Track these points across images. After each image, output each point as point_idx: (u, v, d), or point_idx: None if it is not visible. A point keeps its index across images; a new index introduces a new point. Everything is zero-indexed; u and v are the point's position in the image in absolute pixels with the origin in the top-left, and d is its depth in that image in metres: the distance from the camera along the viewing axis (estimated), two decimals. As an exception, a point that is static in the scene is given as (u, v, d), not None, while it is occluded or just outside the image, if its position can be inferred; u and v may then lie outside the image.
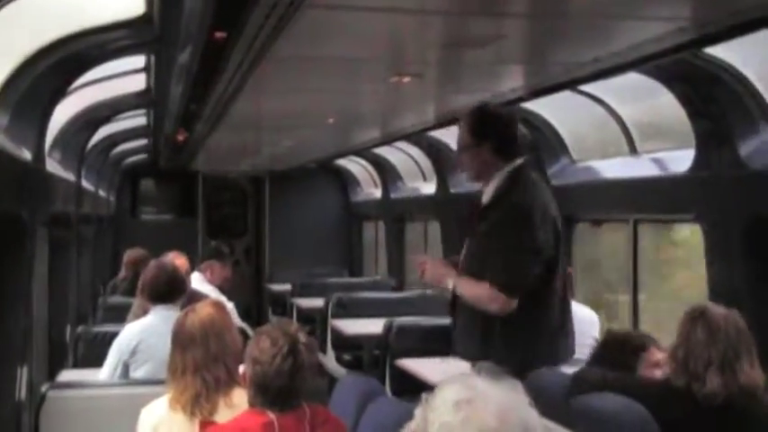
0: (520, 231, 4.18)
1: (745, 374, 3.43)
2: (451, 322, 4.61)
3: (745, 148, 5.15)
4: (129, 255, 8.82)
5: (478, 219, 4.39)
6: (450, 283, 4.37)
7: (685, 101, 5.51)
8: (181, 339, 3.74)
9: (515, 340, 4.25)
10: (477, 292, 4.26)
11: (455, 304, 4.49)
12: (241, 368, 3.43)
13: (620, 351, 4.00)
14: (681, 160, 5.73)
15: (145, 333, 4.98)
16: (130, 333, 5.01)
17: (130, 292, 7.47)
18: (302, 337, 3.18)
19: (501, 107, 4.78)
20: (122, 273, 8.91)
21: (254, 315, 15.08)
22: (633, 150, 6.64)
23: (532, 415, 1.98)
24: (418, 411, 2.01)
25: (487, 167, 4.39)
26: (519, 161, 4.37)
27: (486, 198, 4.40)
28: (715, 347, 3.45)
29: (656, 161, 6.32)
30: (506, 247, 4.19)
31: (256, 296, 16.05)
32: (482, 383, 2.01)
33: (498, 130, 4.39)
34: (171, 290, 5.20)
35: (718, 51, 4.92)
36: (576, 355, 5.17)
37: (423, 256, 4.73)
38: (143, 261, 7.90)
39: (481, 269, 4.26)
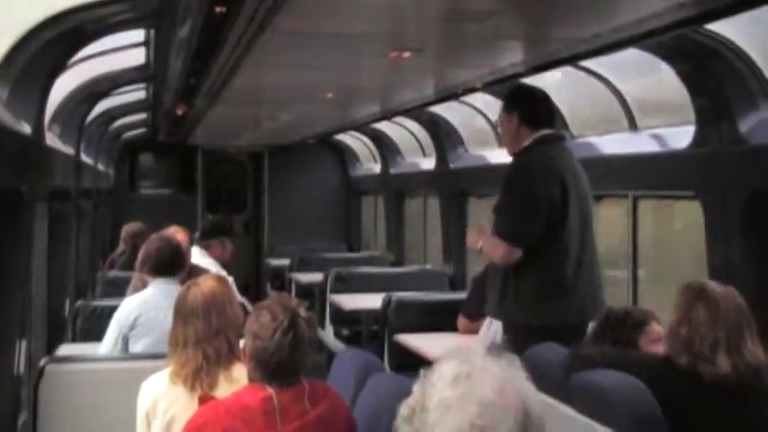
0: (515, 185, 4.73)
1: (751, 353, 3.43)
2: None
3: (745, 125, 5.14)
4: (128, 229, 8.82)
5: None
6: (477, 242, 4.85)
7: (685, 77, 5.50)
8: (183, 312, 3.75)
9: (524, 299, 4.64)
10: (487, 244, 4.74)
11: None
12: (241, 343, 3.44)
13: (621, 327, 4.01)
14: (681, 136, 5.73)
15: (144, 306, 4.98)
16: (130, 306, 5.00)
17: (129, 265, 7.48)
18: (302, 312, 3.19)
19: (537, 87, 5.12)
20: (120, 247, 8.92)
21: (252, 290, 15.11)
22: (633, 126, 6.63)
23: (530, 389, 2.00)
24: (416, 387, 2.02)
25: (517, 137, 4.86)
26: (544, 131, 4.81)
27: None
28: (720, 328, 3.44)
29: (656, 137, 6.31)
30: (505, 201, 4.76)
31: (255, 271, 16.07)
32: (480, 358, 2.02)
33: (526, 103, 4.90)
34: (173, 264, 5.19)
35: (719, 27, 4.91)
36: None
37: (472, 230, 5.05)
38: (141, 235, 7.91)
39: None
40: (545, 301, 4.61)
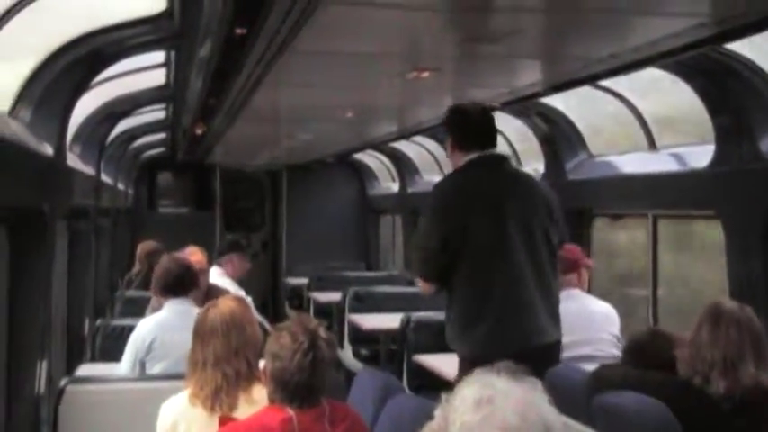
0: (424, 218, 4.65)
1: (750, 376, 3.41)
2: None
3: (766, 143, 5.13)
4: (142, 248, 8.81)
5: None
6: None
7: (705, 96, 5.49)
8: (202, 333, 3.75)
9: (451, 328, 4.49)
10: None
11: None
12: (261, 363, 3.44)
13: (660, 349, 3.95)
14: (700, 155, 5.72)
15: (159, 330, 4.97)
16: (145, 330, 5.00)
17: (145, 285, 7.49)
18: (323, 333, 3.19)
19: (477, 104, 4.84)
20: (137, 266, 8.94)
21: (270, 309, 15.12)
22: (652, 145, 6.63)
23: (552, 412, 1.99)
24: (438, 411, 2.01)
25: (454, 161, 4.66)
26: (475, 154, 4.55)
27: None
28: (717, 347, 3.45)
29: (676, 156, 6.30)
30: (417, 233, 4.66)
31: (273, 290, 16.08)
32: (502, 382, 2.01)
33: (455, 125, 4.65)
34: (184, 283, 5.19)
35: (737, 46, 4.90)
36: (592, 351, 5.18)
37: None
38: (156, 254, 7.91)
39: None
40: (465, 331, 4.41)
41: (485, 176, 4.53)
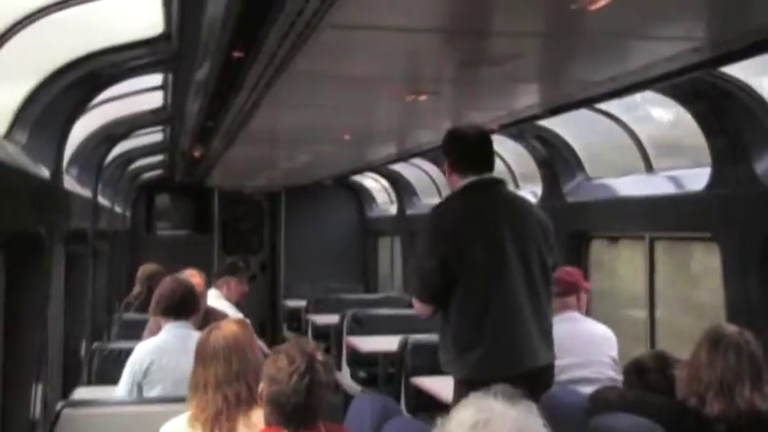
0: (420, 241, 4.59)
1: (746, 400, 3.41)
2: None
3: (762, 166, 5.14)
4: (143, 270, 8.80)
5: None
6: None
7: (701, 119, 5.51)
8: (203, 355, 3.73)
9: (445, 352, 4.48)
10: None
11: None
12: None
13: (660, 373, 3.95)
14: (697, 178, 5.73)
15: (157, 353, 4.93)
16: (143, 353, 4.97)
17: (144, 307, 7.46)
18: (319, 356, 3.18)
19: (475, 128, 4.80)
20: (136, 288, 8.91)
21: (268, 331, 15.09)
22: (649, 168, 6.64)
23: (548, 436, 1.98)
24: (435, 433, 2.01)
25: (452, 184, 4.68)
26: (472, 178, 4.55)
27: None
28: (714, 370, 3.46)
29: (673, 179, 6.31)
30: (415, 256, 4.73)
31: (271, 312, 16.06)
32: (498, 405, 2.01)
33: (452, 149, 4.66)
34: (186, 306, 5.16)
35: (734, 70, 4.92)
36: (591, 374, 5.17)
37: None
38: (157, 276, 7.89)
39: None
40: (461, 355, 4.40)
41: (482, 200, 4.54)
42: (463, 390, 4.11)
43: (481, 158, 4.61)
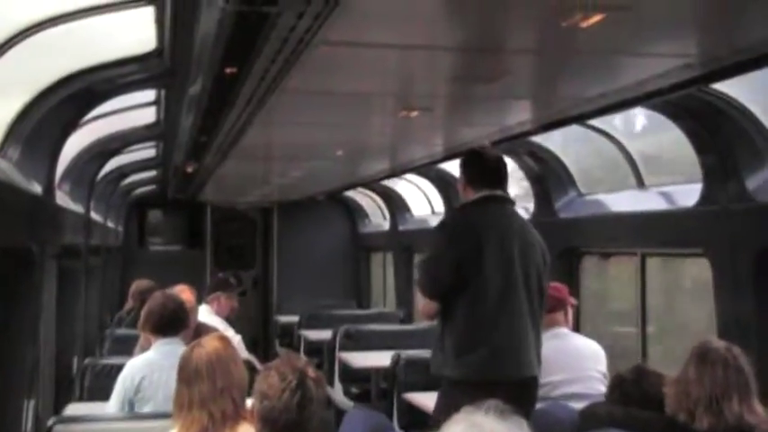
0: (432, 242, 4.81)
1: (734, 414, 3.41)
2: None
3: (753, 182, 5.17)
4: (136, 285, 8.77)
5: None
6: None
7: (692, 135, 5.53)
8: (187, 373, 3.71)
9: (447, 354, 4.62)
10: (419, 301, 4.86)
11: None
12: (248, 402, 3.42)
13: (635, 385, 3.96)
14: (688, 194, 5.75)
15: (148, 370, 4.90)
16: (133, 370, 4.94)
17: (136, 323, 7.42)
18: (311, 372, 3.18)
19: (493, 151, 5.09)
20: (129, 304, 8.89)
21: (260, 347, 15.05)
22: (641, 184, 6.66)
23: (539, 453, 1.98)
24: (426, 449, 2.01)
25: (465, 196, 4.92)
26: (485, 192, 4.81)
27: None
28: (702, 385, 3.47)
29: (664, 195, 6.33)
30: (424, 257, 4.93)
31: (263, 328, 16.02)
32: (488, 421, 2.01)
33: (471, 166, 4.93)
34: (176, 323, 5.12)
35: (724, 86, 4.95)
36: (581, 389, 5.17)
37: None
38: (150, 292, 7.86)
39: None
40: (461, 356, 4.59)
41: (497, 212, 4.82)
42: (450, 389, 4.51)
43: (498, 178, 4.88)
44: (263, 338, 15.84)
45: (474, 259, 4.59)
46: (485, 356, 4.53)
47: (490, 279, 4.60)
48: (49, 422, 4.59)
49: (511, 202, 4.93)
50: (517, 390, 4.42)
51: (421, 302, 4.78)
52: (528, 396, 4.58)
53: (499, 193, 4.84)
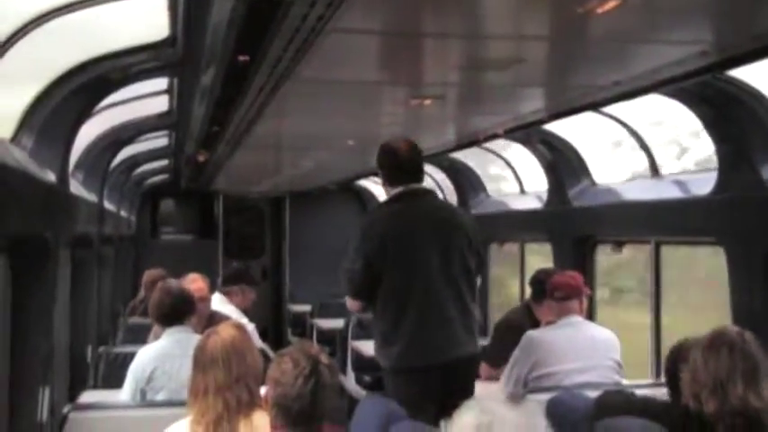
0: (349, 249, 5.05)
1: (739, 398, 3.39)
2: None
3: (768, 170, 5.14)
4: (149, 275, 8.80)
5: None
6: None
7: (708, 123, 5.50)
8: (202, 361, 3.72)
9: (376, 344, 5.00)
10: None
11: None
12: (262, 390, 3.43)
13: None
14: (703, 182, 5.72)
15: (159, 359, 4.94)
16: (145, 359, 4.97)
17: (149, 312, 7.46)
18: (324, 359, 3.18)
19: (408, 142, 5.24)
20: (141, 293, 8.91)
21: (270, 336, 15.08)
22: (655, 172, 6.63)
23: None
24: (440, 436, 2.01)
25: (387, 193, 5.19)
26: (398, 189, 5.07)
27: None
28: (708, 369, 3.45)
29: (678, 183, 6.30)
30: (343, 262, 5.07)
31: (276, 317, 16.04)
32: (501, 407, 2.01)
33: (388, 163, 5.14)
34: (178, 312, 5.16)
35: (740, 73, 4.92)
36: (596, 378, 5.16)
37: None
38: (162, 281, 7.89)
39: None
40: (384, 348, 4.92)
41: (408, 207, 5.04)
42: (390, 377, 4.88)
43: (410, 172, 5.12)
44: (274, 328, 15.86)
45: (381, 257, 4.85)
46: (402, 347, 4.80)
47: (399, 274, 4.85)
48: (65, 410, 4.62)
49: (430, 193, 5.27)
50: (450, 371, 4.72)
51: (348, 301, 5.09)
52: (464, 374, 4.82)
53: (413, 187, 5.07)
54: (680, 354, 3.85)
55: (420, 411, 4.30)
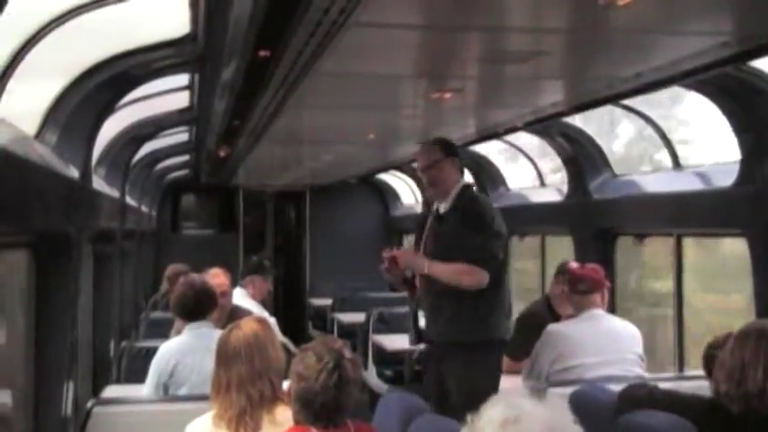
0: (490, 223, 5.09)
1: (757, 383, 3.37)
2: (413, 308, 5.67)
3: (791, 161, 5.11)
4: (171, 269, 8.83)
5: (439, 222, 5.27)
6: (425, 266, 5.15)
7: (730, 114, 5.47)
8: (225, 356, 3.74)
9: (481, 317, 5.07)
10: (453, 268, 5.05)
11: (417, 291, 5.44)
12: (285, 384, 3.44)
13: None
14: (725, 174, 5.69)
15: (180, 353, 4.95)
16: (167, 354, 4.99)
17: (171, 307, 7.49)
18: (347, 354, 3.18)
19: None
20: (163, 287, 8.95)
21: (287, 330, 15.08)
22: (676, 164, 6.60)
23: (579, 432, 1.99)
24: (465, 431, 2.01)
25: (449, 181, 5.22)
26: (466, 180, 5.36)
27: (444, 207, 5.24)
28: (733, 356, 3.44)
29: (700, 175, 6.27)
30: (482, 236, 5.06)
31: (297, 311, 16.07)
32: (527, 402, 2.01)
33: (456, 153, 5.33)
34: (200, 306, 5.16)
35: (762, 64, 4.89)
36: (620, 371, 5.15)
37: (392, 250, 5.54)
38: (184, 275, 7.92)
39: (448, 256, 5.06)
40: (496, 319, 5.15)
41: None
42: (497, 348, 5.20)
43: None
44: (293, 321, 15.88)
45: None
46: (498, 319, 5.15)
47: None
48: (88, 404, 4.64)
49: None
50: (441, 349, 5.17)
51: (482, 274, 5.02)
52: (448, 355, 5.11)
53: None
54: (719, 342, 3.86)
55: None
